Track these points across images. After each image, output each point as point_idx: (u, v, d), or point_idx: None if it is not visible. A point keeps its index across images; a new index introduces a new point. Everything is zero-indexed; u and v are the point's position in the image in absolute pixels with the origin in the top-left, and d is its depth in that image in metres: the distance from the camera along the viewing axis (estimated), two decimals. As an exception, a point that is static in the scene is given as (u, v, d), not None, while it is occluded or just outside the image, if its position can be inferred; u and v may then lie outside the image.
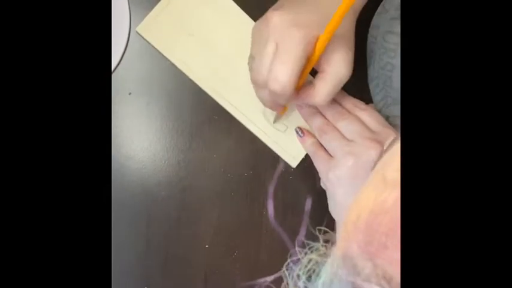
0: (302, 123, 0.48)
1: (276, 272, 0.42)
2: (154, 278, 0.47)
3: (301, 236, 0.46)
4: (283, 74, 0.38)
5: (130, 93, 0.47)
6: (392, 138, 0.43)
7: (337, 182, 0.43)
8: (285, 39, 0.38)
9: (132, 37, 0.47)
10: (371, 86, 0.49)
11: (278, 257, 0.47)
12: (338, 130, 0.44)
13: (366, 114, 0.45)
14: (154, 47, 0.48)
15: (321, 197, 0.46)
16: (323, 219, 0.46)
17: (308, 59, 0.39)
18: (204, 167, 0.48)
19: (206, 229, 0.47)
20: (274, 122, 0.48)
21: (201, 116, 0.48)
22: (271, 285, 0.43)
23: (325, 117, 0.46)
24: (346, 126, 0.44)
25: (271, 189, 0.47)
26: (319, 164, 0.45)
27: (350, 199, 0.36)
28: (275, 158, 0.48)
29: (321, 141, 0.46)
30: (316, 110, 0.46)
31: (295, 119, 0.48)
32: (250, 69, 0.42)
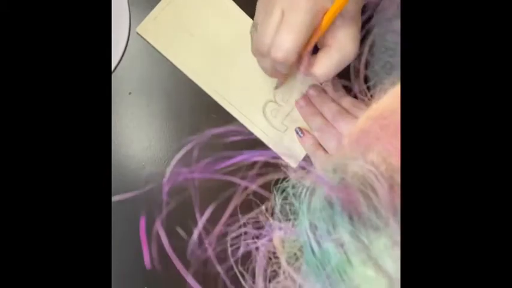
0: (302, 124, 0.48)
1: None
2: (154, 278, 0.47)
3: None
4: (287, 42, 0.36)
5: (130, 93, 0.47)
6: None
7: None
8: (293, 8, 0.37)
9: (132, 37, 0.47)
10: (371, 85, 0.49)
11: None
12: (337, 130, 0.45)
13: None
14: (154, 47, 0.48)
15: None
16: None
17: (314, 30, 0.38)
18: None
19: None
20: (276, 88, 0.48)
21: (201, 115, 0.48)
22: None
23: (325, 117, 0.46)
24: (345, 126, 0.44)
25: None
26: (319, 163, 0.45)
27: None
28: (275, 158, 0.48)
29: (320, 141, 0.46)
30: (316, 111, 0.46)
31: (295, 119, 0.48)
32: (252, 38, 0.41)
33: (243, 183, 0.28)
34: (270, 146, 0.48)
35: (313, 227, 0.21)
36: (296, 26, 0.36)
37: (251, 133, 0.46)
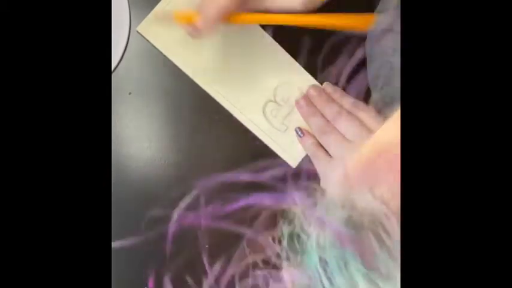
0: (302, 124, 0.48)
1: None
2: (154, 278, 0.47)
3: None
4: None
5: (130, 93, 0.47)
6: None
7: (336, 182, 0.43)
8: None
9: (132, 37, 0.47)
10: (371, 86, 0.49)
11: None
12: (338, 131, 0.44)
13: (366, 115, 0.45)
14: (154, 47, 0.48)
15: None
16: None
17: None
18: (204, 167, 0.48)
19: (206, 229, 0.47)
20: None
21: (201, 116, 0.48)
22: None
23: (325, 118, 0.46)
24: (346, 127, 0.44)
25: None
26: (319, 164, 0.45)
27: None
28: (275, 158, 0.48)
29: (320, 142, 0.46)
30: (316, 111, 0.46)
31: (295, 119, 0.48)
32: None
33: (250, 233, 0.29)
34: (270, 145, 0.48)
35: (324, 263, 0.20)
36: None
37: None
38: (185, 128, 0.48)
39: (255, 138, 0.48)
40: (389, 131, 0.21)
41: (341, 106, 0.46)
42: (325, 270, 0.20)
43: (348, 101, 0.47)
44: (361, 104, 0.46)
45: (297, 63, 0.49)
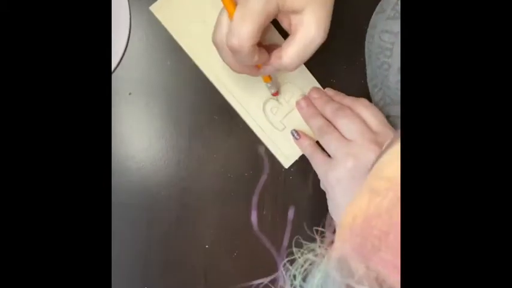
0: (300, 125, 0.48)
1: (276, 272, 0.42)
2: (154, 278, 0.47)
3: (285, 243, 0.46)
4: (240, 28, 0.37)
5: (130, 93, 0.47)
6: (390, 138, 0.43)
7: (336, 183, 0.43)
8: None
9: (132, 37, 0.48)
10: (370, 86, 0.49)
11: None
12: (338, 131, 0.44)
13: (369, 113, 0.44)
14: (154, 47, 0.48)
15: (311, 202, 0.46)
16: (320, 221, 0.45)
17: (270, 16, 0.38)
18: (204, 167, 0.48)
19: (206, 229, 0.47)
20: (272, 91, 0.47)
21: (201, 116, 0.48)
22: (270, 284, 0.43)
23: (325, 117, 0.46)
24: (346, 125, 0.44)
25: (255, 200, 0.47)
26: (318, 165, 0.45)
27: (348, 200, 0.36)
28: (275, 158, 0.48)
29: (320, 142, 0.45)
30: (317, 112, 0.46)
31: (295, 119, 0.48)
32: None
33: None
34: (266, 143, 0.48)
35: None
36: (246, 13, 0.37)
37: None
38: (185, 128, 0.48)
39: (255, 139, 0.48)
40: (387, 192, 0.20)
41: (341, 104, 0.46)
42: None
43: (349, 98, 0.46)
44: (363, 101, 0.46)
45: (302, 64, 0.49)
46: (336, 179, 0.42)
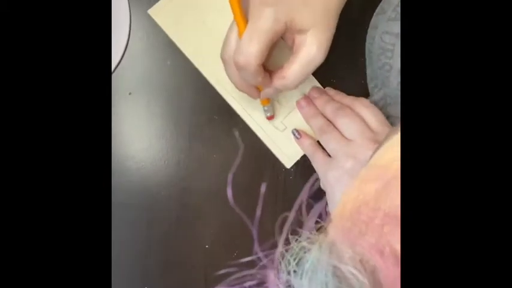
0: (301, 125, 0.48)
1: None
2: (154, 278, 0.47)
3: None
4: (248, 46, 0.38)
5: (130, 93, 0.47)
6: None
7: (336, 183, 0.43)
8: (255, 15, 0.38)
9: (132, 37, 0.48)
10: (370, 87, 0.49)
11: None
12: (338, 130, 0.44)
13: (369, 113, 0.45)
14: (154, 47, 0.48)
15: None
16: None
17: (277, 34, 0.39)
18: (204, 167, 0.48)
19: (206, 229, 0.47)
20: (264, 106, 0.47)
21: (201, 116, 0.48)
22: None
23: (326, 117, 0.46)
24: (347, 124, 0.44)
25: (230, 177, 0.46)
26: (318, 164, 0.45)
27: None
28: (275, 158, 0.48)
29: (320, 142, 0.46)
30: (317, 111, 0.46)
31: (295, 119, 0.48)
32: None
33: None
34: (267, 144, 0.48)
35: None
36: (256, 31, 0.38)
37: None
38: (185, 128, 0.48)
39: (255, 139, 0.48)
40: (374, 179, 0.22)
41: (341, 103, 0.46)
42: None
43: (349, 97, 0.47)
44: (363, 100, 0.46)
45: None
46: (335, 179, 0.43)
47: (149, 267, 0.47)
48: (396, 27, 0.46)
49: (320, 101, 0.47)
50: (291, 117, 0.48)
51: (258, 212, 0.44)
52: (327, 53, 0.40)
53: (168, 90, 0.48)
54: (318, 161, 0.45)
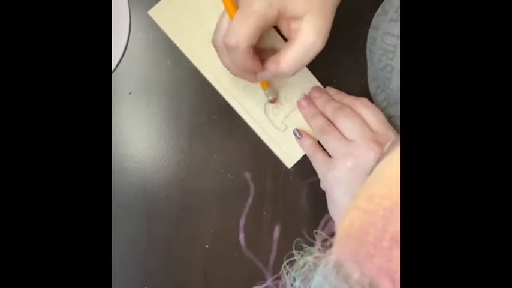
0: (302, 124, 0.48)
1: (277, 272, 0.42)
2: (154, 278, 0.47)
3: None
4: (238, 27, 0.37)
5: (130, 93, 0.47)
6: (391, 141, 0.42)
7: (335, 183, 0.43)
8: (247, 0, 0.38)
9: (132, 37, 0.48)
10: (371, 87, 0.49)
11: (278, 258, 0.47)
12: (338, 130, 0.44)
13: (370, 113, 0.44)
14: (154, 47, 0.48)
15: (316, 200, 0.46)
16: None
17: (269, 20, 0.38)
18: (204, 167, 0.48)
19: (206, 229, 0.47)
20: (268, 97, 0.47)
21: (201, 116, 0.48)
22: (272, 284, 0.43)
23: (326, 117, 0.46)
24: (347, 124, 0.44)
25: (242, 222, 0.47)
26: (318, 165, 0.45)
27: (347, 200, 0.36)
28: (275, 158, 0.48)
29: (320, 142, 0.45)
30: (318, 111, 0.46)
31: (296, 119, 0.48)
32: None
33: None
34: (268, 144, 0.48)
35: None
36: (247, 13, 0.37)
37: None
38: (185, 128, 0.48)
39: (255, 140, 0.48)
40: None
41: (341, 103, 0.46)
42: None
43: (350, 97, 0.46)
44: (364, 100, 0.46)
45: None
46: (335, 179, 0.42)
47: (149, 267, 0.47)
48: (398, 29, 0.46)
49: (320, 101, 0.47)
50: (292, 116, 0.48)
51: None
52: (325, 40, 0.39)
53: (168, 90, 0.48)
54: (318, 161, 0.45)
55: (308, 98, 0.48)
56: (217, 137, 0.48)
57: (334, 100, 0.47)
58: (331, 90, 0.48)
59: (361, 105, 0.45)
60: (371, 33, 0.48)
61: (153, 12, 0.47)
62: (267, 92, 0.47)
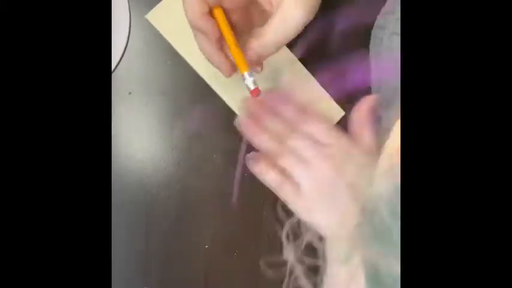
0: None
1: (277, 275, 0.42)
2: (154, 278, 0.47)
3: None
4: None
5: (130, 93, 0.47)
6: (346, 147, 0.40)
7: (306, 212, 0.40)
8: None
9: (132, 37, 0.48)
10: (373, 88, 0.49)
11: (278, 257, 0.47)
12: (292, 152, 0.41)
13: (315, 128, 0.42)
14: (154, 47, 0.48)
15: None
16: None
17: None
18: (204, 167, 0.48)
19: (206, 229, 0.47)
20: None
21: (201, 116, 0.48)
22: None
23: (269, 135, 0.43)
24: (298, 146, 0.41)
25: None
26: (287, 197, 0.42)
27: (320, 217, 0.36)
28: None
29: (279, 165, 0.42)
30: (260, 129, 0.43)
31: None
32: None
33: None
34: None
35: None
36: None
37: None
38: (185, 127, 0.48)
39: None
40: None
41: (284, 120, 0.43)
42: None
43: (290, 112, 0.43)
44: (307, 113, 0.43)
45: (300, 64, 0.49)
46: (306, 209, 0.40)
47: (149, 267, 0.47)
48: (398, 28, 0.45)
49: (260, 114, 0.44)
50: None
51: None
52: (312, 11, 0.37)
53: (168, 90, 0.48)
54: (286, 194, 0.42)
55: (250, 115, 0.44)
56: (217, 137, 0.48)
57: (274, 115, 0.43)
58: (266, 96, 0.43)
59: (305, 122, 0.42)
60: (375, 32, 0.48)
61: (150, 16, 0.47)
62: (248, 76, 0.41)
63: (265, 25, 0.38)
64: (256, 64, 0.42)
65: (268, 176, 0.42)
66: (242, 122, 0.43)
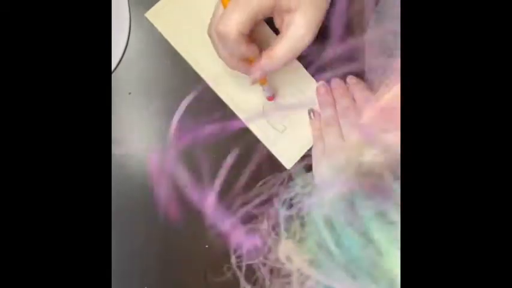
0: (302, 126, 0.48)
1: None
2: (154, 278, 0.47)
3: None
4: (229, 16, 0.38)
5: (130, 93, 0.47)
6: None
7: (318, 177, 0.44)
8: None
9: (132, 37, 0.48)
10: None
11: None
12: (339, 127, 0.45)
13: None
14: (154, 47, 0.48)
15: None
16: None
17: (263, 10, 0.39)
18: (203, 166, 0.48)
19: (206, 229, 0.47)
20: (251, 84, 0.46)
21: (201, 116, 0.48)
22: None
23: (336, 109, 0.47)
24: (345, 127, 0.45)
25: None
26: (315, 150, 0.47)
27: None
28: (274, 158, 0.48)
29: (322, 132, 0.47)
30: (331, 101, 0.47)
31: (295, 120, 0.48)
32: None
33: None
34: (267, 145, 0.48)
35: (329, 224, 0.21)
36: (241, 4, 0.38)
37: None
38: (185, 127, 0.48)
39: (255, 139, 0.48)
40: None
41: (352, 102, 0.47)
42: (332, 229, 0.21)
43: (362, 97, 0.47)
44: (372, 105, 0.46)
45: (300, 64, 0.49)
46: (319, 175, 0.44)
47: (149, 267, 0.47)
48: (398, 26, 0.45)
49: (336, 92, 0.48)
50: (291, 118, 0.48)
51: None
52: (315, 32, 0.40)
53: (167, 90, 0.48)
54: (316, 148, 0.47)
55: (327, 86, 0.48)
56: (217, 137, 0.48)
57: (348, 97, 0.47)
58: (352, 79, 0.48)
59: (366, 105, 0.46)
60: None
61: (150, 15, 0.47)
62: (265, 88, 0.47)
63: (275, 42, 0.41)
64: (261, 77, 0.45)
65: (326, 109, 0.47)
66: (319, 90, 0.48)
